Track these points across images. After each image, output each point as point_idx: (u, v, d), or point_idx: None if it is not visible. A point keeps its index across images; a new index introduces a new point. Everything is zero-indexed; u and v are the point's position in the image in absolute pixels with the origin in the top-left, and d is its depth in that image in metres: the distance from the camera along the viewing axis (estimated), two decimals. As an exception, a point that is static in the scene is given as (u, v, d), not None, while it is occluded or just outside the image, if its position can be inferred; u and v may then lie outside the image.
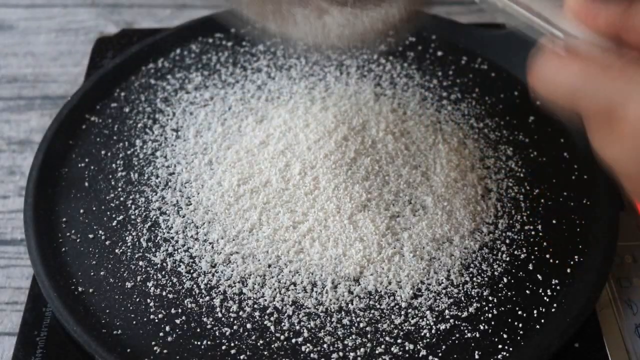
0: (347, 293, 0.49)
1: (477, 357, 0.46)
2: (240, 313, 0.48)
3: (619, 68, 0.33)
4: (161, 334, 0.47)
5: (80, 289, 0.49)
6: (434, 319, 0.48)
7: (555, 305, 0.48)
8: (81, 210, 0.53)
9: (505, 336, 0.47)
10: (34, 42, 0.75)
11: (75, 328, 0.46)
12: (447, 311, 0.48)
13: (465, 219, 0.52)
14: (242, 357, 0.46)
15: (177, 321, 0.47)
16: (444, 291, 0.49)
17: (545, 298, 0.49)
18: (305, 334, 0.47)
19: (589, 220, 0.53)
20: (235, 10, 0.48)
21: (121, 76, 0.63)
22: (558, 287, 0.49)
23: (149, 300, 0.48)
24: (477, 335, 0.47)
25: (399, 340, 0.47)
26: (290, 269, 0.50)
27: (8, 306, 0.54)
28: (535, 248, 0.52)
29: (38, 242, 0.51)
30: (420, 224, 0.52)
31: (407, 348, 0.46)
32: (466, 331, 0.47)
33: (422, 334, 0.47)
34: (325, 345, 0.46)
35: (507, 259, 0.51)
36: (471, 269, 0.50)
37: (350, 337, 0.47)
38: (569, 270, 0.50)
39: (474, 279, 0.50)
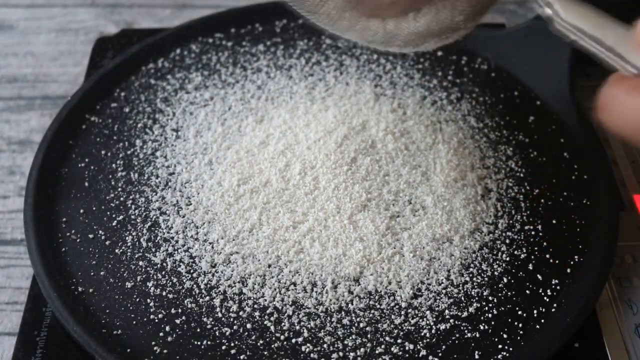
0: (347, 293, 0.49)
1: (477, 357, 0.46)
2: (240, 313, 0.48)
3: None
4: (161, 334, 0.47)
5: (80, 289, 0.49)
6: (434, 319, 0.48)
7: (555, 305, 0.48)
8: (81, 210, 0.53)
9: (505, 336, 0.47)
10: (34, 42, 0.75)
11: (75, 328, 0.46)
12: (447, 311, 0.48)
13: (465, 219, 0.52)
14: (242, 357, 0.46)
15: (177, 321, 0.47)
16: (444, 291, 0.49)
17: (545, 298, 0.49)
18: (305, 334, 0.47)
19: (589, 220, 0.53)
20: (285, 3, 0.48)
21: (121, 76, 0.63)
22: (558, 287, 0.49)
23: (149, 300, 0.48)
24: (477, 335, 0.47)
25: (399, 340, 0.47)
26: (290, 269, 0.50)
27: (8, 306, 0.54)
28: (535, 248, 0.52)
29: (38, 242, 0.51)
30: (420, 224, 0.52)
31: (407, 348, 0.46)
32: (466, 331, 0.47)
33: (422, 334, 0.47)
34: (325, 345, 0.46)
35: (507, 259, 0.51)
36: (471, 269, 0.50)
37: (350, 337, 0.47)
38: (569, 270, 0.50)
39: (474, 279, 0.50)
